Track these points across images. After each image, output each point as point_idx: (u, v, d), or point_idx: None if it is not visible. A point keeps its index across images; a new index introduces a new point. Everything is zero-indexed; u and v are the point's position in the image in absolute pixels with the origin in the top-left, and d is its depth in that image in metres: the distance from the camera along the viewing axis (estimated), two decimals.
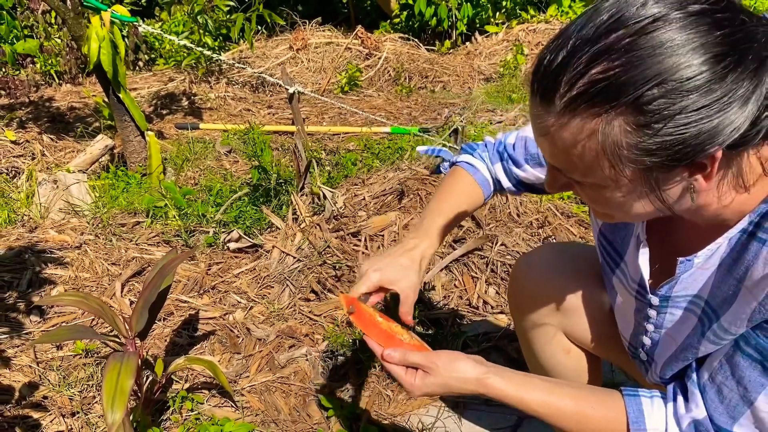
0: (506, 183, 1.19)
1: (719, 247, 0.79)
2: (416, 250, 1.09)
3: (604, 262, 1.03)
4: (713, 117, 0.63)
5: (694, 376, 0.85)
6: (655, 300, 0.90)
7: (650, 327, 0.94)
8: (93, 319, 1.98)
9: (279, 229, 2.37)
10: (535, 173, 1.15)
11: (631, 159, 0.67)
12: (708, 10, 0.63)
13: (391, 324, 1.01)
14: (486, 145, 1.23)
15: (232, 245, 2.33)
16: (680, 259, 0.83)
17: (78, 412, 1.61)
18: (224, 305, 2.06)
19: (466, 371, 0.91)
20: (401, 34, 5.60)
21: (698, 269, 0.82)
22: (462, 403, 1.64)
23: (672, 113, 0.63)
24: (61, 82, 4.82)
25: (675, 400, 0.87)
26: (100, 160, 3.19)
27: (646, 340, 0.97)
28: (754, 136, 0.66)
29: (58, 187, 2.76)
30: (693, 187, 0.70)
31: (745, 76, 0.63)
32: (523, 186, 1.20)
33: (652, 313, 0.92)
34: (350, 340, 1.84)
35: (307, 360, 1.80)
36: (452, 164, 1.24)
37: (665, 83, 0.62)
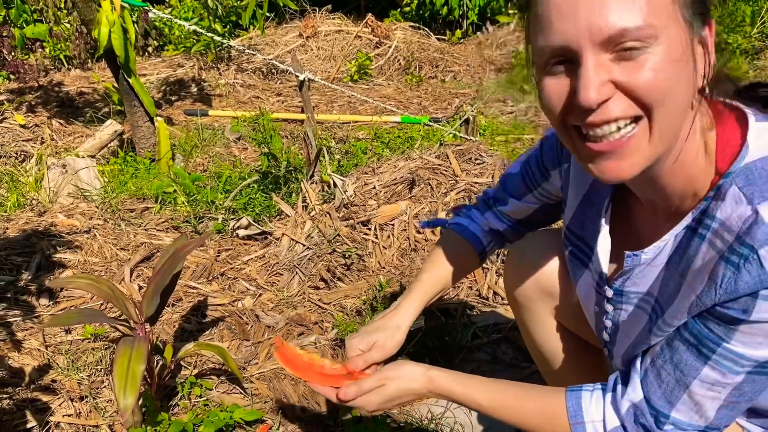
0: (501, 226, 1.22)
1: (666, 244, 0.81)
2: (394, 309, 1.17)
3: (575, 260, 1.04)
4: None
5: (638, 362, 0.87)
6: (609, 292, 0.92)
7: (608, 323, 0.96)
8: (102, 304, 1.98)
9: (288, 216, 2.35)
10: (521, 206, 1.18)
11: None
12: None
13: (311, 355, 1.11)
14: (476, 202, 1.27)
15: (242, 232, 2.32)
16: (627, 252, 0.85)
17: (86, 396, 1.61)
18: (233, 292, 2.05)
19: (413, 371, 0.99)
20: (411, 23, 5.55)
21: (648, 266, 0.84)
22: None
23: None
24: (70, 67, 4.82)
25: (614, 389, 0.88)
26: (109, 145, 3.18)
27: (605, 336, 0.99)
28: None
29: (67, 171, 2.76)
30: (708, 61, 0.72)
31: None
32: (520, 225, 1.21)
33: (609, 307, 0.94)
34: (358, 329, 1.83)
35: (316, 348, 1.79)
36: (445, 228, 1.29)
37: None
